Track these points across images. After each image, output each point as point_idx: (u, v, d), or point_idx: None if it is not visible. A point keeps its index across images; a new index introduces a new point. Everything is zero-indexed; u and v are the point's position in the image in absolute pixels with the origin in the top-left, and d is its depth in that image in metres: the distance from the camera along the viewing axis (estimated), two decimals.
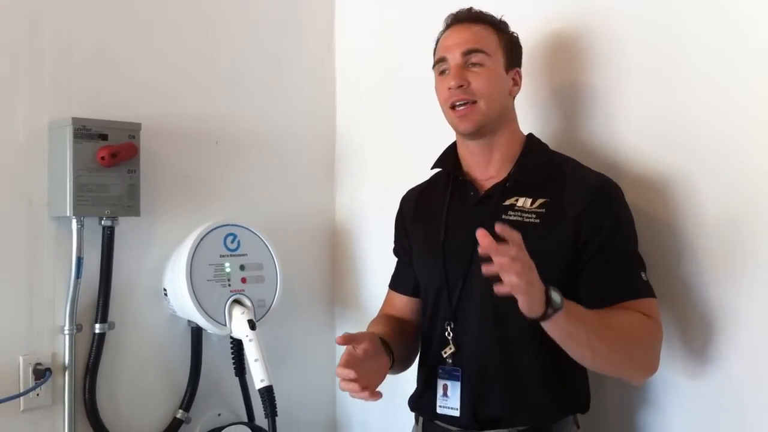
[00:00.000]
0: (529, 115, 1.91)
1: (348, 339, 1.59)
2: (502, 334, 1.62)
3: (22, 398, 1.91)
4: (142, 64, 2.15)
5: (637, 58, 1.78)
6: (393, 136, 2.42)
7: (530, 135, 1.77)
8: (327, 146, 2.61)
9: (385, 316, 1.91)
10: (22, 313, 1.94)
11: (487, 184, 1.71)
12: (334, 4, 2.63)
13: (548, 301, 1.39)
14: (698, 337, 1.66)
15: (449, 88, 1.67)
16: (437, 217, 1.76)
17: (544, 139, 1.80)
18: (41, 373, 1.93)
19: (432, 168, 1.84)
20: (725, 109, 1.62)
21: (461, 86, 1.66)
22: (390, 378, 2.37)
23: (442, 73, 1.72)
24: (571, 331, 1.45)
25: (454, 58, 1.68)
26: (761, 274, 1.56)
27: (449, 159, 1.81)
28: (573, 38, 1.90)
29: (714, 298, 1.64)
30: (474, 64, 1.67)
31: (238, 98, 2.36)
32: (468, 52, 1.67)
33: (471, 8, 1.74)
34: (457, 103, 1.67)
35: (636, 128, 1.78)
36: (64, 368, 1.97)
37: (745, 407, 1.60)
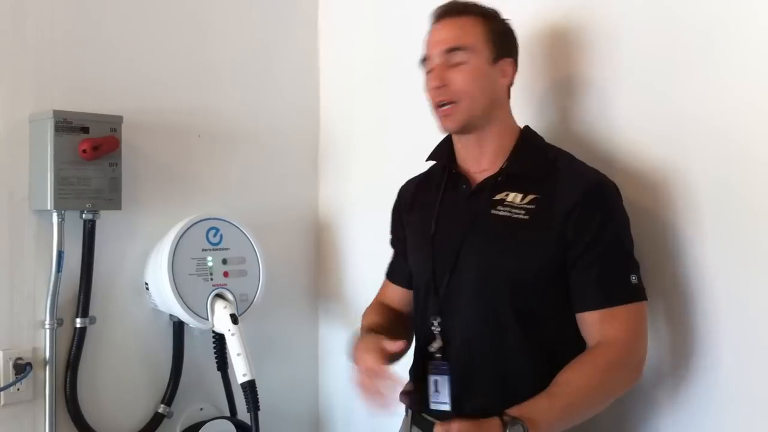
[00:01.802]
0: (526, 108, 1.89)
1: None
2: (492, 330, 1.60)
3: (2, 393, 1.91)
4: (124, 57, 2.14)
5: (633, 50, 1.76)
6: (377, 130, 2.42)
7: (526, 128, 1.73)
8: (310, 140, 2.61)
9: (379, 305, 1.91)
10: (3, 307, 1.93)
11: (480, 177, 1.69)
12: None
13: None
14: (691, 335, 1.66)
15: (431, 88, 1.66)
16: (430, 210, 1.75)
17: (539, 132, 1.77)
18: (22, 368, 1.92)
19: (427, 160, 1.82)
20: (724, 101, 1.60)
21: (441, 87, 1.64)
22: None
23: (428, 72, 1.69)
24: (552, 427, 1.48)
25: (436, 57, 1.66)
26: (759, 272, 1.55)
27: (444, 151, 1.78)
28: (569, 30, 1.89)
29: (709, 295, 1.63)
30: (455, 64, 1.64)
31: (220, 91, 2.35)
32: (449, 51, 1.64)
33: (454, 1, 1.70)
34: (440, 103, 1.65)
35: (633, 121, 1.76)
36: (45, 363, 1.96)
37: (739, 406, 1.59)
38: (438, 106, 1.66)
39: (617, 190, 1.63)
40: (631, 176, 1.74)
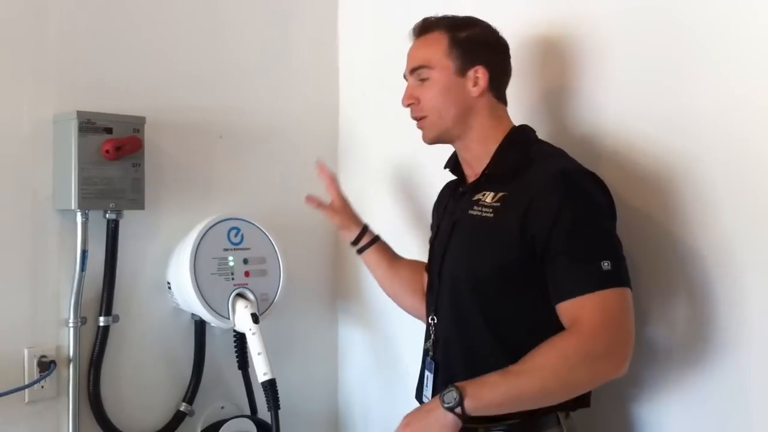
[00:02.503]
0: (520, 113, 1.89)
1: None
2: (463, 328, 1.65)
3: (27, 390, 1.92)
4: (146, 58, 2.15)
5: (631, 50, 1.77)
6: (395, 130, 2.42)
7: (518, 127, 1.74)
8: (330, 140, 2.61)
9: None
10: (27, 305, 1.95)
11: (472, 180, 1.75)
12: None
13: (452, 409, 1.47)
14: (691, 332, 1.67)
15: (404, 106, 1.77)
16: (440, 213, 1.84)
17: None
18: (46, 366, 1.94)
19: (444, 168, 1.86)
20: (726, 100, 1.60)
21: (411, 104, 1.75)
22: (391, 370, 2.39)
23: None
24: (497, 404, 1.51)
25: (408, 76, 1.77)
26: (755, 269, 1.56)
27: (453, 157, 1.83)
28: (565, 35, 1.90)
29: (705, 292, 1.64)
30: (422, 80, 1.72)
31: (241, 92, 2.37)
32: (414, 70, 1.74)
33: (424, 19, 1.76)
34: (414, 119, 1.76)
35: (633, 122, 1.77)
36: (69, 360, 1.98)
37: (739, 402, 1.60)
38: (415, 120, 1.77)
39: (590, 177, 1.60)
40: (628, 178, 1.76)
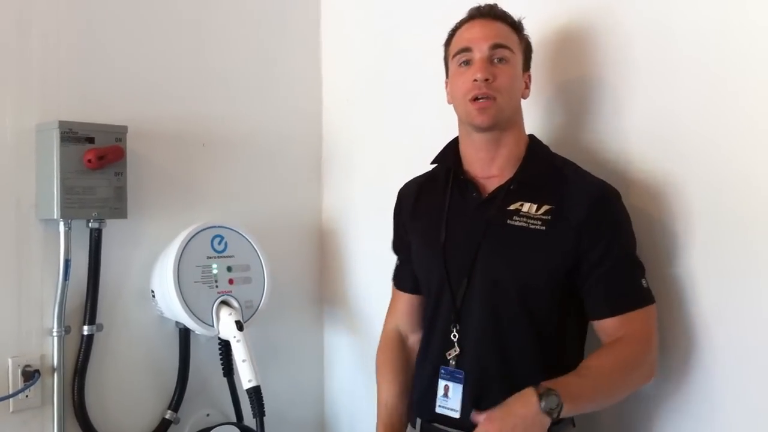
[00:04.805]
0: (533, 112, 1.90)
1: None
2: (501, 335, 1.63)
3: (11, 399, 1.92)
4: (128, 67, 2.16)
5: (642, 56, 1.77)
6: (379, 136, 2.44)
7: (532, 136, 1.76)
8: (313, 147, 2.62)
9: (394, 351, 1.93)
10: (11, 315, 1.95)
11: (489, 184, 1.70)
12: (320, 4, 2.64)
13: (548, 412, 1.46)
14: (687, 338, 1.68)
15: (474, 80, 1.63)
16: (437, 216, 1.75)
17: (546, 137, 1.80)
18: (30, 375, 1.94)
19: (432, 163, 1.83)
20: (724, 109, 1.62)
21: (487, 80, 1.63)
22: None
23: (464, 63, 1.68)
24: (581, 407, 1.55)
25: (481, 50, 1.65)
26: (747, 275, 1.58)
27: (450, 155, 1.78)
28: (578, 35, 1.89)
29: (704, 301, 1.66)
30: (499, 60, 1.65)
31: (224, 100, 2.37)
32: (495, 47, 1.65)
33: (496, 5, 1.72)
34: (480, 97, 1.63)
35: (639, 126, 1.77)
36: (53, 370, 1.98)
37: (732, 407, 1.61)
38: (474, 99, 1.65)
39: (619, 195, 1.66)
40: (636, 181, 1.76)
